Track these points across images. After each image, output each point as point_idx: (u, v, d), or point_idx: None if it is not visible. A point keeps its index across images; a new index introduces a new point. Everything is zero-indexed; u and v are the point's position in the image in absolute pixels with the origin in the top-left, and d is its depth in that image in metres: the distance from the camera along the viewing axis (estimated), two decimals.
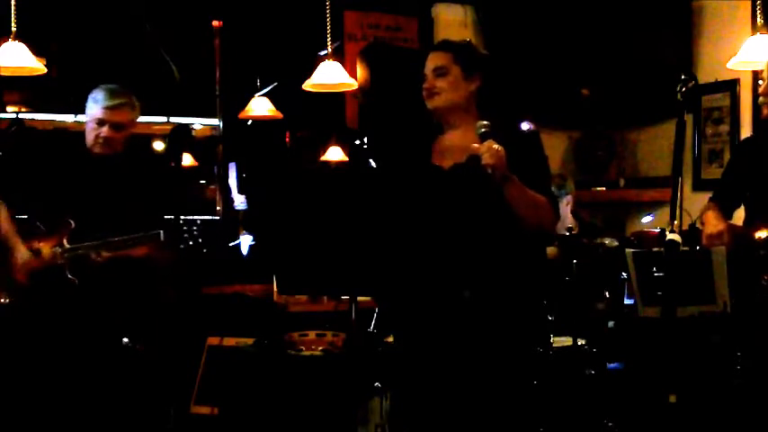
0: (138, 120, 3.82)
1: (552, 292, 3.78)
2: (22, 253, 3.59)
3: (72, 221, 3.62)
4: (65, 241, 3.60)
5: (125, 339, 3.85)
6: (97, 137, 3.69)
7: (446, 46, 3.04)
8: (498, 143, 2.71)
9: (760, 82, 3.57)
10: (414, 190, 2.94)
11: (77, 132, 3.82)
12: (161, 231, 3.48)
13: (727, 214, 3.54)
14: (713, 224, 3.42)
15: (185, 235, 3.53)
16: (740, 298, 3.26)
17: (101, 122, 3.69)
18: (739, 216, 3.64)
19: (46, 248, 3.61)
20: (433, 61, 2.96)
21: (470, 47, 3.02)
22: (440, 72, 2.93)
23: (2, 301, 3.62)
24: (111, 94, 3.72)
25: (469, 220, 2.82)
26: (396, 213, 2.92)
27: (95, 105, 3.72)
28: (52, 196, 3.68)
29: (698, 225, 3.55)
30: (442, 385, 2.86)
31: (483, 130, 2.73)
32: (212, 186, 5.89)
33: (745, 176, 3.58)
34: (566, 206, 4.49)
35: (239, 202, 5.63)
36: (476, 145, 2.71)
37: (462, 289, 2.82)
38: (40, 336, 3.66)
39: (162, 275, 3.77)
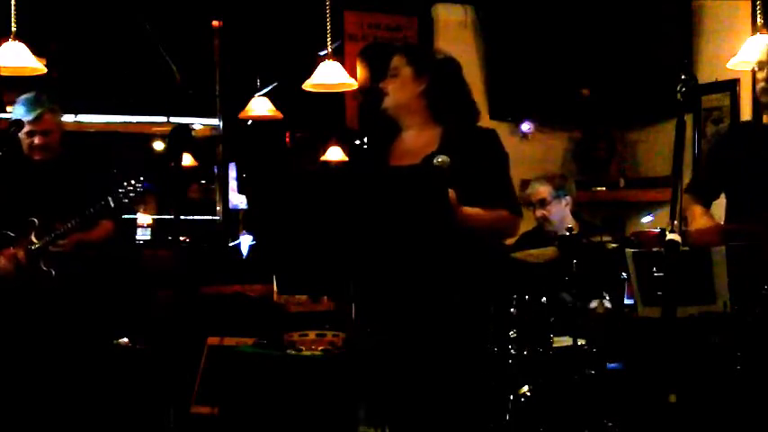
0: (62, 120, 4.04)
1: (552, 291, 3.77)
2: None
3: (35, 219, 3.82)
4: (32, 238, 3.81)
5: (124, 339, 3.90)
6: (31, 146, 3.89)
7: (400, 48, 3.16)
8: (453, 148, 2.75)
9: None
10: (368, 191, 2.93)
11: (11, 139, 3.95)
12: (108, 198, 3.74)
13: (706, 206, 3.47)
14: (700, 221, 3.38)
15: (129, 195, 3.81)
16: (742, 301, 3.24)
17: (30, 134, 3.87)
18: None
19: (20, 251, 3.80)
20: (391, 63, 3.06)
21: (424, 49, 3.09)
22: (392, 73, 3.03)
23: None
24: (30, 105, 3.88)
25: (420, 220, 2.78)
26: (355, 215, 2.93)
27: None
28: (10, 204, 3.88)
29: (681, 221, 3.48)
30: (407, 382, 2.91)
31: (437, 166, 2.72)
32: (212, 186, 5.89)
33: (729, 169, 3.44)
34: (564, 207, 4.48)
35: (239, 202, 5.64)
36: None
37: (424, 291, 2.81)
38: (32, 337, 3.74)
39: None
